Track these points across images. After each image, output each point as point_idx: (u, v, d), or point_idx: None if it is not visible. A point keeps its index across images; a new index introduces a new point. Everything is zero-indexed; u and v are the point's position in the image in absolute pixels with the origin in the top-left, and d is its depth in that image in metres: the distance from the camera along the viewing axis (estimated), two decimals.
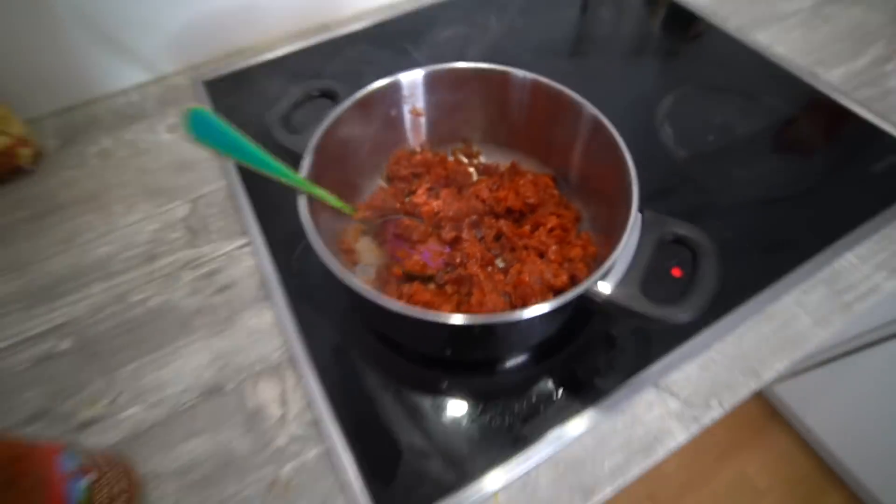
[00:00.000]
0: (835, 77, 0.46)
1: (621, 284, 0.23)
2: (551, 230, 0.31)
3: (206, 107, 0.40)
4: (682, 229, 0.25)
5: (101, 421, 0.29)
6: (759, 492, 0.99)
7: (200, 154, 0.42)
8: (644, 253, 0.24)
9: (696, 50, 0.50)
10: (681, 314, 0.22)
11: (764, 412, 1.07)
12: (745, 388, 0.29)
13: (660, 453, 0.27)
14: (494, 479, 0.26)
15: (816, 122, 0.43)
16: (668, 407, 0.28)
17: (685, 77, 0.46)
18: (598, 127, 0.29)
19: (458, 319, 0.22)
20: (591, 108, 0.30)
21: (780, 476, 1.00)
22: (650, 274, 0.24)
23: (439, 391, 0.29)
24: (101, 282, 0.35)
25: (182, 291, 0.34)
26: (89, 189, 0.40)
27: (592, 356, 0.30)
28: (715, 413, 0.29)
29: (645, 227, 0.25)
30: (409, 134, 0.37)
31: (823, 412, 0.94)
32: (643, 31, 0.54)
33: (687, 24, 0.52)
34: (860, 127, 0.41)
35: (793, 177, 0.38)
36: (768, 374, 0.30)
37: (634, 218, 0.25)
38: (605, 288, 0.23)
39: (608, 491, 0.26)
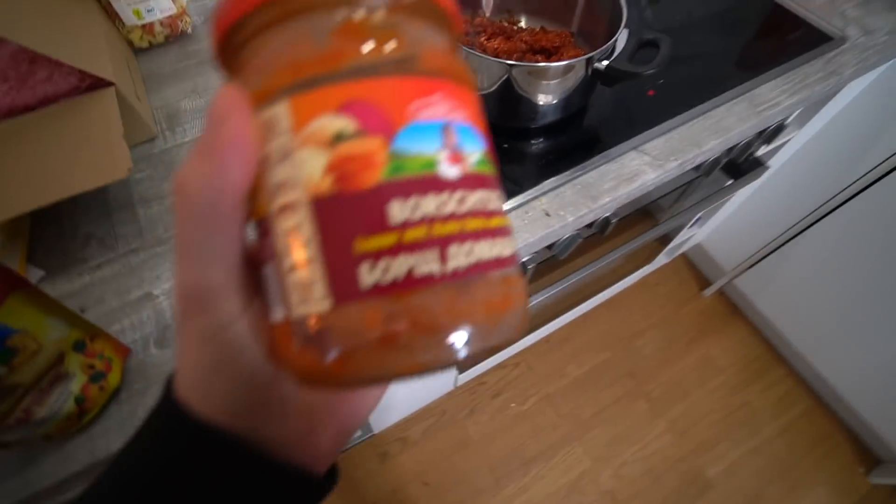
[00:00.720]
0: None
1: (617, 58, 0.40)
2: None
3: None
4: (652, 34, 0.42)
5: None
6: (720, 368, 1.19)
7: None
8: (629, 46, 0.41)
9: None
10: (649, 70, 0.39)
11: (727, 308, 1.28)
12: (689, 154, 0.47)
13: (637, 183, 0.45)
14: (540, 188, 0.43)
15: (753, 9, 0.60)
16: (643, 159, 0.46)
17: None
18: None
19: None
20: None
21: (737, 356, 1.21)
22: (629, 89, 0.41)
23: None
24: None
25: None
26: None
27: (593, 131, 0.47)
28: (670, 165, 0.46)
29: (629, 34, 0.42)
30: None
31: (773, 297, 1.14)
32: None
33: None
34: (780, 12, 0.58)
35: (735, 42, 0.55)
36: (702, 148, 0.47)
37: (624, 23, 0.41)
38: (604, 64, 0.40)
39: (606, 199, 0.43)
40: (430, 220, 0.12)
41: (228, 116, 0.13)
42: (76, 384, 0.30)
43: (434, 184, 0.13)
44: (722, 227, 1.15)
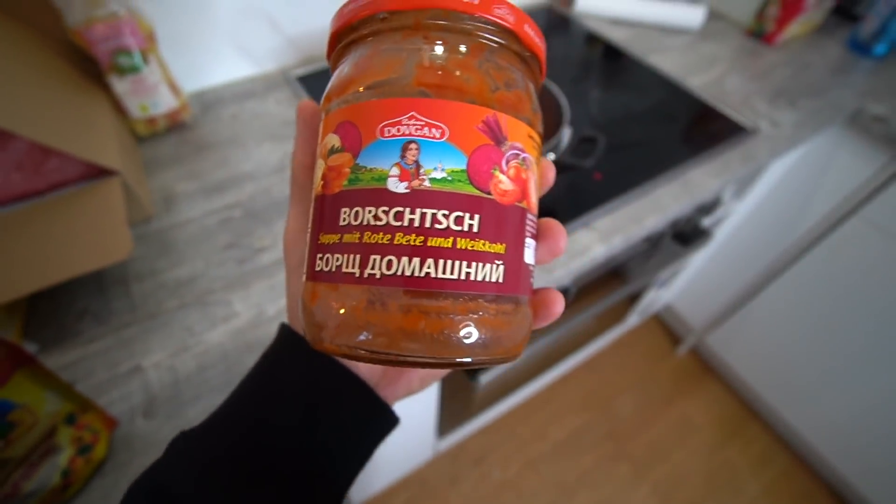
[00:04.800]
0: (695, 82, 0.74)
1: (563, 152, 0.47)
2: None
3: (299, 91, 0.63)
4: (590, 132, 0.49)
5: (269, 249, 0.50)
6: (698, 426, 1.21)
7: None
8: (573, 141, 0.49)
9: (616, 66, 0.78)
10: (589, 163, 0.46)
11: (700, 366, 1.31)
12: (632, 230, 0.53)
13: (587, 257, 0.50)
14: None
15: (681, 106, 0.70)
16: (592, 235, 0.52)
17: (608, 80, 0.73)
18: (545, 92, 0.54)
19: None
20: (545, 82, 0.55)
21: (713, 414, 1.23)
22: (579, 175, 0.48)
23: None
24: (251, 182, 0.56)
25: None
26: (228, 134, 0.62)
27: (548, 210, 0.53)
28: (616, 240, 0.52)
29: (572, 131, 0.49)
30: None
31: (743, 354, 1.19)
32: (584, 55, 0.81)
33: (612, 52, 0.80)
34: (705, 109, 0.68)
35: (665, 132, 0.64)
36: (643, 224, 0.54)
37: (568, 121, 0.49)
38: (551, 157, 0.47)
39: (560, 272, 0.48)
40: (363, 228, 0.14)
41: (298, 117, 0.21)
42: (64, 457, 0.31)
43: (379, 196, 0.14)
44: (688, 288, 1.21)
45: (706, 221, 0.77)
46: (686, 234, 0.73)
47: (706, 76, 0.75)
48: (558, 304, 0.18)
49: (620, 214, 0.54)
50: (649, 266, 0.80)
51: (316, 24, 0.71)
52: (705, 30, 0.86)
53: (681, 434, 1.19)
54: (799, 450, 1.15)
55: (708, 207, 0.69)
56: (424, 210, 0.14)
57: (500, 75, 0.15)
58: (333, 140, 0.16)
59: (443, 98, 0.14)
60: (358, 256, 0.14)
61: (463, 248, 0.14)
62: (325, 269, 0.15)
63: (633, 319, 1.21)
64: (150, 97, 0.57)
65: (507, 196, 0.15)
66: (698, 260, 1.05)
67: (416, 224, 0.14)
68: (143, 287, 0.45)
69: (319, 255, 0.15)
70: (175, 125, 0.62)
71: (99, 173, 0.48)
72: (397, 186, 0.14)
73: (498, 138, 0.15)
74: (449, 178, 0.14)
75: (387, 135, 0.14)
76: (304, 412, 0.20)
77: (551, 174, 0.20)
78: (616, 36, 0.83)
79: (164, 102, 0.59)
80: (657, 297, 1.17)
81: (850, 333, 0.90)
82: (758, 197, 0.90)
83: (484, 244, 0.14)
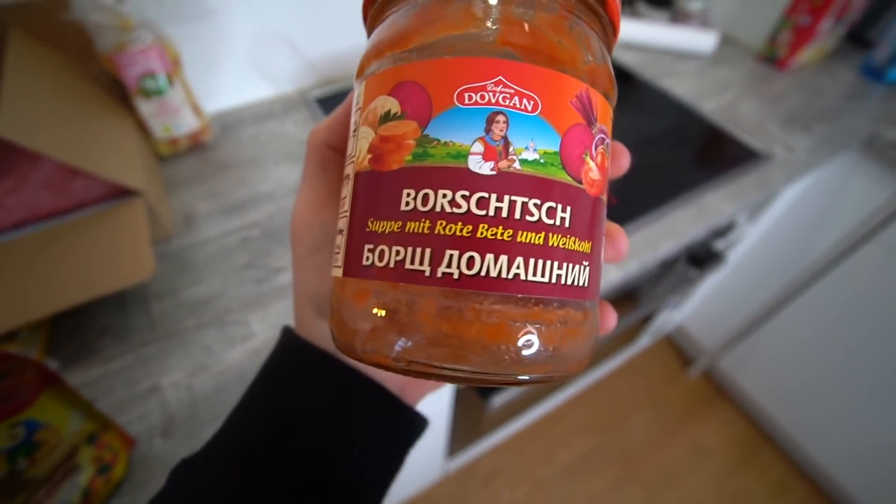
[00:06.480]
0: (709, 107, 0.74)
1: None
2: None
3: (317, 112, 0.65)
4: None
5: (286, 269, 0.50)
6: (711, 451, 1.18)
7: None
8: None
9: (628, 90, 0.79)
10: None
11: (712, 389, 1.29)
12: (647, 254, 0.53)
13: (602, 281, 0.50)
14: None
15: (695, 130, 0.71)
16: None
17: (620, 104, 0.74)
18: None
19: None
20: None
21: (727, 439, 1.20)
22: None
23: None
24: (269, 203, 0.57)
25: None
26: (248, 155, 0.63)
27: None
28: (632, 265, 0.52)
29: None
30: None
31: (757, 378, 1.17)
32: None
33: (624, 76, 0.81)
34: (718, 134, 0.69)
35: (679, 156, 0.65)
36: (658, 249, 0.54)
37: None
38: None
39: None
40: (436, 216, 0.11)
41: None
42: (85, 477, 0.32)
43: (458, 177, 0.11)
44: (700, 309, 1.20)
45: (720, 244, 0.77)
46: (700, 258, 0.72)
47: (719, 100, 0.76)
48: (612, 319, 0.17)
49: (635, 239, 0.54)
50: (662, 288, 0.80)
51: (333, 47, 0.73)
52: (717, 55, 0.87)
53: (693, 458, 1.17)
54: (818, 479, 1.12)
55: (722, 231, 0.69)
56: (514, 198, 0.11)
57: (589, 43, 0.13)
58: (389, 104, 0.12)
59: (534, 63, 0.12)
60: (429, 251, 0.11)
61: (554, 245, 0.12)
62: (379, 265, 0.12)
63: (644, 340, 1.20)
64: (174, 119, 0.59)
65: (594, 186, 0.13)
66: (711, 281, 1.04)
67: (504, 214, 0.11)
68: (162, 306, 0.46)
69: (369, 246, 0.12)
70: (196, 145, 0.63)
71: (123, 193, 0.50)
72: (481, 167, 0.11)
73: (590, 118, 0.13)
74: (542, 161, 0.12)
75: (467, 102, 0.11)
76: (326, 431, 0.18)
77: (626, 160, 0.18)
78: (628, 60, 0.84)
79: (187, 124, 0.60)
80: (669, 318, 1.16)
81: (870, 360, 0.88)
82: (772, 220, 0.89)
83: (574, 242, 0.12)
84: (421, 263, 0.11)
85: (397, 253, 0.12)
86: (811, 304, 0.93)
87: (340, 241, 0.14)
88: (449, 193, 0.11)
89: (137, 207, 0.48)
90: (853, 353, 0.90)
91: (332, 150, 0.19)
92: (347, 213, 0.14)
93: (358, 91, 0.14)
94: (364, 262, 0.13)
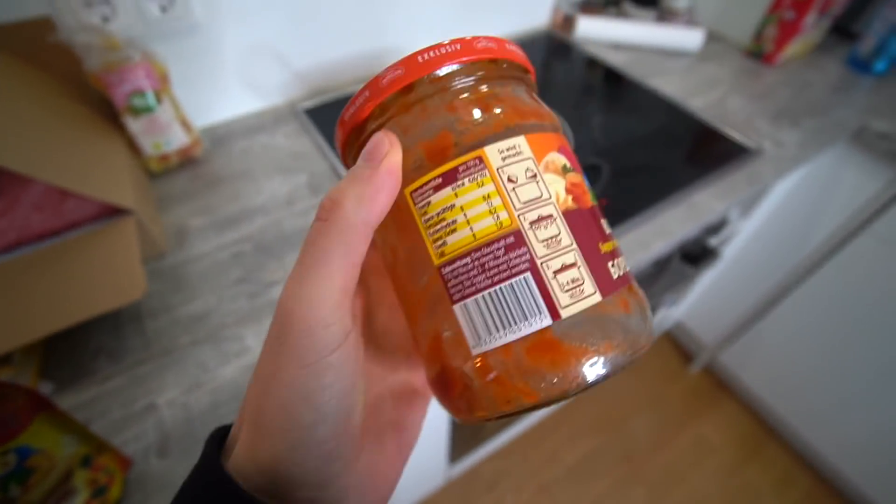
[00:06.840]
0: (697, 104, 0.75)
1: None
2: None
3: (306, 122, 0.65)
4: (594, 161, 0.50)
5: (279, 283, 0.50)
6: (714, 447, 1.18)
7: (308, 148, 0.66)
8: None
9: (617, 90, 0.79)
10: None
11: (714, 384, 1.29)
12: (639, 255, 0.53)
13: None
14: None
15: (684, 128, 0.71)
16: None
17: (609, 105, 0.74)
18: None
19: None
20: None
21: (730, 434, 1.20)
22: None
23: None
24: (262, 216, 0.57)
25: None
26: (240, 168, 0.64)
27: None
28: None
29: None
30: None
31: (758, 371, 1.17)
32: (586, 79, 0.83)
33: (613, 76, 0.82)
34: (708, 131, 0.69)
35: (669, 155, 0.65)
36: (650, 249, 0.54)
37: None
38: None
39: None
40: (610, 235, 0.17)
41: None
42: (80, 500, 0.32)
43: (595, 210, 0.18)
44: (698, 305, 1.20)
45: (713, 241, 0.77)
46: (694, 255, 0.72)
47: (708, 98, 0.76)
48: None
49: (627, 240, 0.54)
50: (658, 287, 0.80)
51: (321, 58, 0.74)
52: (704, 52, 0.87)
53: (697, 455, 1.17)
54: (822, 470, 1.12)
55: (715, 227, 0.69)
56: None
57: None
58: (562, 159, 0.17)
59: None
60: (621, 256, 0.17)
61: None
62: (620, 274, 0.16)
63: None
64: (164, 135, 0.59)
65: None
66: (708, 277, 1.04)
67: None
68: (156, 323, 0.46)
69: (610, 263, 0.16)
70: (187, 161, 0.63)
71: (114, 212, 0.50)
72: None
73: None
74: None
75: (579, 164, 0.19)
76: None
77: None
78: (616, 60, 0.84)
79: (177, 139, 0.60)
80: (667, 315, 1.16)
81: (868, 350, 0.88)
82: (765, 215, 0.90)
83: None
84: (624, 265, 0.17)
85: (623, 264, 0.17)
86: (808, 295, 0.93)
87: (576, 273, 0.15)
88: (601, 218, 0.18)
89: (128, 227, 0.48)
90: (852, 342, 0.90)
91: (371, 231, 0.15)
92: (574, 246, 0.15)
93: (517, 142, 0.16)
94: (613, 277, 0.16)
